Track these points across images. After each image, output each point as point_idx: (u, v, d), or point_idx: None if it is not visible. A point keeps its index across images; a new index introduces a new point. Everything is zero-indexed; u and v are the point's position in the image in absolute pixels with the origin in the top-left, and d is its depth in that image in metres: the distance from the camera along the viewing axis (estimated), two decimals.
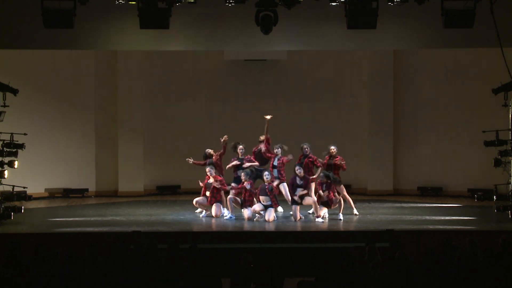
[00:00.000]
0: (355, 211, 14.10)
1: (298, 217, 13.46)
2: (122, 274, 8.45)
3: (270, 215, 13.34)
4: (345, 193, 14.02)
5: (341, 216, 13.58)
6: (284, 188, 13.93)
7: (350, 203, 14.07)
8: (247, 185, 13.47)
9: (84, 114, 17.51)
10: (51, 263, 8.67)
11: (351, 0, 12.32)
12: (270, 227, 12.98)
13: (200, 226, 13.24)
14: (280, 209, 14.21)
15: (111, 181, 17.65)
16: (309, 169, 13.98)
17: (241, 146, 14.26)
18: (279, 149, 14.08)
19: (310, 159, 14.02)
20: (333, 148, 14.18)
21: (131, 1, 12.57)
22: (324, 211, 13.60)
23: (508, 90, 13.64)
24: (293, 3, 12.39)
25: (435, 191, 17.36)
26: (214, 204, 13.82)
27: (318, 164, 13.99)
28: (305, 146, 14.07)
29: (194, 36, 13.90)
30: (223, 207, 13.92)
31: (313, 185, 13.86)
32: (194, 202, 14.04)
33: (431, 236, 12.08)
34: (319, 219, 13.36)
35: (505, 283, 8.09)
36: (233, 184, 14.03)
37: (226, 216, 13.76)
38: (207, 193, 13.88)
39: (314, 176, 13.85)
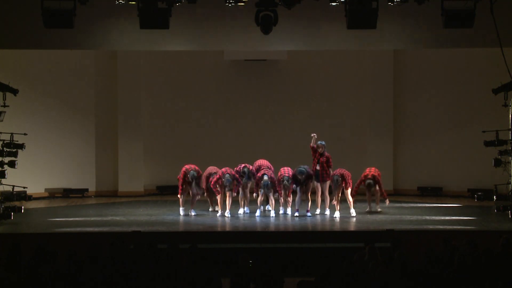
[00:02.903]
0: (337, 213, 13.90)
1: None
2: (122, 274, 8.44)
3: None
4: (326, 193, 13.93)
5: (325, 211, 13.89)
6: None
7: (333, 203, 13.95)
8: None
9: (84, 114, 17.50)
10: (51, 263, 8.66)
11: (351, 0, 12.32)
12: (270, 227, 13.00)
13: (200, 226, 13.24)
14: (272, 213, 14.01)
15: (111, 181, 17.64)
16: (323, 168, 13.86)
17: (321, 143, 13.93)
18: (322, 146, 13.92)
19: (325, 159, 13.85)
20: (320, 144, 13.93)
21: (131, 1, 12.57)
22: (326, 211, 13.88)
23: (508, 90, 13.65)
24: (293, 3, 12.39)
25: (435, 191, 17.35)
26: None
27: (331, 165, 13.92)
28: (321, 145, 13.86)
29: (194, 36, 13.91)
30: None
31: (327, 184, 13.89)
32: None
33: (431, 236, 12.07)
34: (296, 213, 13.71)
35: (505, 283, 8.08)
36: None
37: (225, 215, 13.79)
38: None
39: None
